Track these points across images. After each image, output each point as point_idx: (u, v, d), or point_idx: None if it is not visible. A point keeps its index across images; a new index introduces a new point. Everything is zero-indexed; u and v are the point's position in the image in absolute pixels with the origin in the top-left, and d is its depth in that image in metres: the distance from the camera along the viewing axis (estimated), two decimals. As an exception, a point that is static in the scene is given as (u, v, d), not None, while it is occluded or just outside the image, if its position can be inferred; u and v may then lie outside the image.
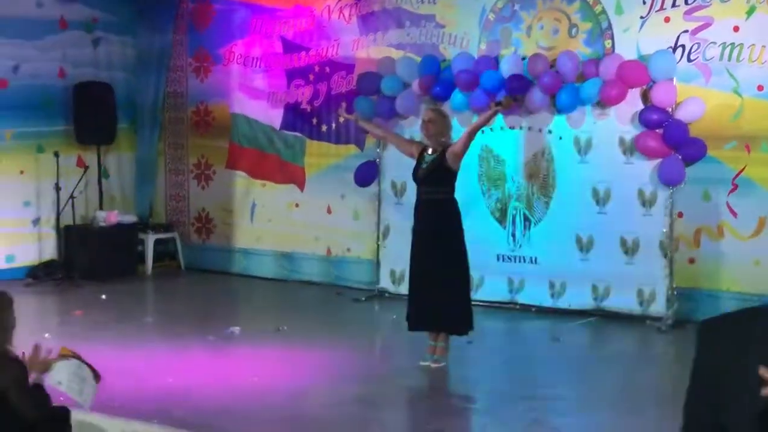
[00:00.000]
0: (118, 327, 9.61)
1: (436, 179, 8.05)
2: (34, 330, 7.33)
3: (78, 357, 5.94)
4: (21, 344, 5.70)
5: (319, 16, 11.68)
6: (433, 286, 8.03)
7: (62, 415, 5.74)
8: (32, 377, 5.58)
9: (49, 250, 12.24)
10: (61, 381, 5.84)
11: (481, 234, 10.34)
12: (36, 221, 12.18)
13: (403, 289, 10.71)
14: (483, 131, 10.21)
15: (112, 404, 6.67)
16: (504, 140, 10.34)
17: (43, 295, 11.14)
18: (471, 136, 8.15)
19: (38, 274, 11.91)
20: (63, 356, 5.86)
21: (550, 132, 10.10)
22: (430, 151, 8.11)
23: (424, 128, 8.21)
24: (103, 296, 11.04)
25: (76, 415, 5.91)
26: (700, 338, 3.29)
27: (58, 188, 12.04)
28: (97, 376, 5.96)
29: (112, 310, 10.49)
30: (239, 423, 6.79)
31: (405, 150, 8.53)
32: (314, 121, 11.80)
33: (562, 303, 10.07)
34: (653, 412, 7.23)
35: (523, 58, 10.13)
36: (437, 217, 8.16)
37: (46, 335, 7.74)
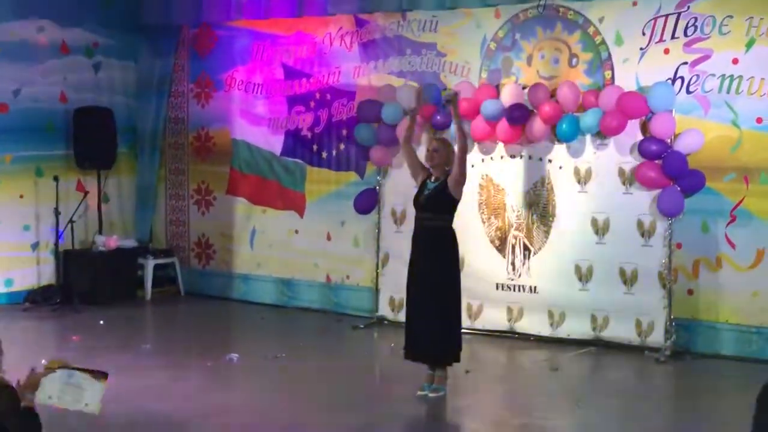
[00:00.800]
0: (115, 353, 9.57)
1: (436, 206, 8.08)
2: (30, 355, 7.34)
3: (67, 366, 5.90)
4: (17, 370, 5.73)
5: (320, 43, 11.74)
6: (426, 316, 8.07)
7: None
8: (25, 401, 5.59)
9: (47, 275, 12.25)
10: (51, 396, 5.82)
11: (480, 263, 10.39)
12: (35, 245, 12.20)
13: (402, 316, 10.72)
14: (483, 160, 10.36)
15: (108, 429, 6.69)
16: (504, 169, 10.36)
17: (40, 320, 11.14)
18: (462, 153, 8.13)
19: (36, 299, 11.91)
20: (49, 370, 5.83)
21: (550, 161, 10.13)
22: (433, 178, 8.14)
23: (429, 158, 8.21)
24: (102, 321, 11.05)
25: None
26: (759, 400, 3.47)
27: (57, 212, 12.08)
28: (101, 377, 5.92)
29: (110, 336, 10.48)
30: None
31: (413, 171, 8.49)
32: (315, 147, 11.84)
33: (561, 332, 10.07)
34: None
35: (524, 87, 10.18)
36: (435, 244, 8.16)
37: (43, 361, 7.71)
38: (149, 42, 13.01)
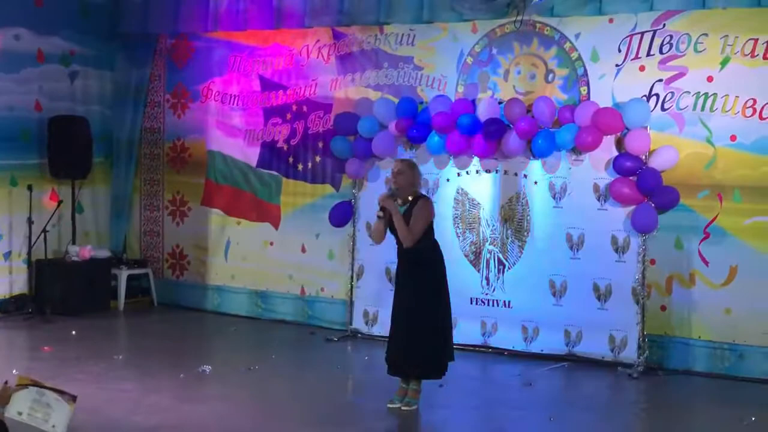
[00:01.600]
0: (87, 364, 9.53)
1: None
2: (1, 365, 7.29)
3: (39, 384, 5.88)
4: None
5: (297, 56, 11.76)
6: (403, 331, 8.11)
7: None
8: (-5, 414, 5.56)
9: (19, 284, 12.17)
10: (21, 411, 5.80)
11: (454, 277, 10.37)
12: (7, 255, 12.11)
13: (376, 330, 10.79)
14: (459, 174, 10.38)
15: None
16: (479, 184, 10.40)
17: (12, 330, 11.06)
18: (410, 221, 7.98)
19: (8, 309, 11.86)
20: (21, 386, 5.80)
21: (525, 176, 10.18)
22: (400, 202, 8.05)
23: (394, 180, 8.14)
24: (74, 332, 10.99)
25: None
26: None
27: (30, 222, 12.03)
28: (70, 399, 5.91)
29: (82, 347, 10.41)
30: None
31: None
32: (291, 159, 11.86)
33: (535, 347, 10.11)
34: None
35: (500, 102, 10.22)
36: (415, 266, 8.13)
37: (14, 371, 7.69)
38: (126, 51, 12.99)
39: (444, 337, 8.27)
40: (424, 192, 8.74)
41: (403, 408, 8.07)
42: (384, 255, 10.69)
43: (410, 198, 8.03)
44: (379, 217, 8.07)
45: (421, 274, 8.12)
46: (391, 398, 8.16)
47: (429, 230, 8.13)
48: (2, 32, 11.94)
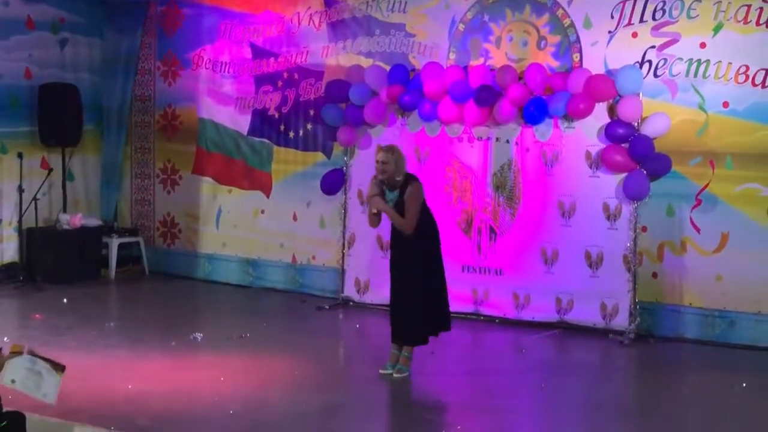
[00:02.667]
0: (79, 331, 9.56)
1: (401, 213, 8.05)
2: (-8, 333, 7.30)
3: (31, 352, 5.89)
4: (-22, 348, 5.70)
5: (288, 23, 11.71)
6: (396, 300, 8.22)
7: (16, 419, 5.72)
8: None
9: (10, 253, 12.19)
10: (14, 379, 5.78)
11: (446, 244, 10.38)
12: (-2, 223, 12.14)
13: (368, 298, 10.83)
14: (451, 142, 10.37)
15: (71, 409, 6.65)
16: (472, 151, 10.39)
17: (3, 299, 11.07)
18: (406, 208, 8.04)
19: (0, 277, 11.87)
20: (14, 353, 5.81)
21: (517, 144, 10.17)
22: (390, 188, 8.08)
23: (380, 169, 8.06)
24: (65, 300, 11.02)
25: (32, 419, 5.89)
26: None
27: (21, 190, 12.03)
28: (59, 368, 5.91)
29: (73, 314, 10.43)
30: (197, 427, 6.79)
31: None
32: (282, 127, 11.83)
33: (526, 315, 10.14)
34: (614, 426, 7.30)
35: (492, 69, 10.19)
36: (407, 243, 8.14)
37: (5, 339, 7.68)
38: (116, 19, 12.94)
39: (434, 305, 8.31)
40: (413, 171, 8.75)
41: (395, 375, 8.10)
42: (375, 223, 10.72)
43: (398, 179, 8.03)
44: (373, 214, 8.14)
45: (417, 249, 8.16)
46: (384, 365, 8.19)
47: (423, 208, 8.17)
48: (-10, -1, 11.92)
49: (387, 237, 10.40)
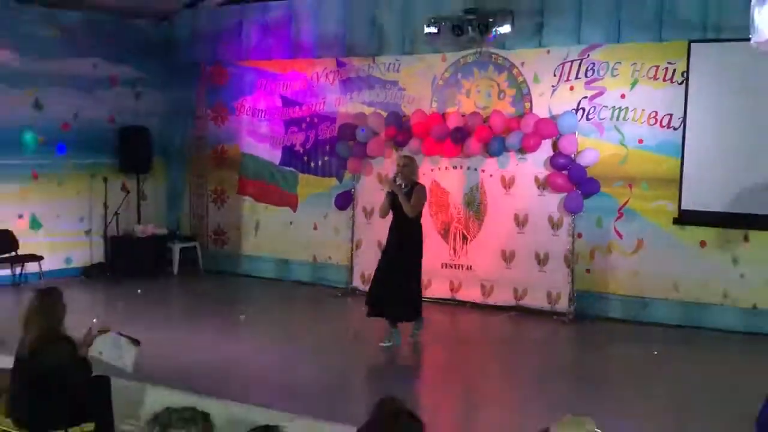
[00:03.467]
0: (150, 314, 9.61)
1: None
2: (85, 317, 7.36)
3: (115, 331, 5.97)
4: (77, 327, 5.77)
5: (310, 80, 11.75)
6: (387, 284, 8.23)
7: (104, 381, 5.79)
8: (82, 352, 5.64)
9: (98, 255, 12.21)
10: (101, 352, 5.87)
11: (429, 247, 10.44)
12: (88, 232, 12.15)
13: (371, 288, 10.84)
14: (432, 169, 10.42)
15: (144, 375, 6.72)
16: (449, 177, 10.43)
17: (93, 290, 11.12)
18: (411, 199, 8.12)
19: (90, 273, 11.92)
20: (102, 331, 5.89)
21: (482, 171, 10.20)
22: (404, 185, 8.14)
23: (400, 171, 8.19)
24: (139, 291, 11.04)
25: (116, 382, 5.95)
26: None
27: (106, 206, 12.05)
28: (136, 343, 5.98)
29: (145, 302, 10.50)
30: (242, 389, 6.82)
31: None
32: (305, 159, 11.84)
33: (491, 301, 10.16)
34: (556, 385, 7.37)
35: (464, 115, 10.23)
36: (405, 237, 8.23)
37: (95, 320, 7.72)
38: (177, 77, 12.93)
39: (418, 293, 8.41)
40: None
41: (383, 344, 8.23)
42: (376, 231, 10.74)
43: (412, 179, 8.20)
44: (389, 193, 8.20)
45: (408, 243, 8.22)
46: (384, 338, 8.27)
47: (419, 215, 8.27)
48: (83, 62, 11.97)
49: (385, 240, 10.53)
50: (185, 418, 3.08)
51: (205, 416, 3.14)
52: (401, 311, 8.30)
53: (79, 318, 5.76)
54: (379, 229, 10.63)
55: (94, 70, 12.11)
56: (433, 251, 10.38)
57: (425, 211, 10.30)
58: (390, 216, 8.34)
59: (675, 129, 9.23)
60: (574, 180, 9.51)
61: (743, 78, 8.79)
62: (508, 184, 10.06)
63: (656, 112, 9.34)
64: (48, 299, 5.50)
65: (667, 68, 9.26)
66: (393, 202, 8.18)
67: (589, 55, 9.67)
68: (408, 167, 8.23)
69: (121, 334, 5.93)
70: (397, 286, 8.15)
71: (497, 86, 10.28)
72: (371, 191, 10.83)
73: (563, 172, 9.57)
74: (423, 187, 8.32)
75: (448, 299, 10.38)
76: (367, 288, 10.77)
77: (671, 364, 7.97)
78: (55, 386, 5.40)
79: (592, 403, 6.61)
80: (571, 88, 9.79)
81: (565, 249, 9.67)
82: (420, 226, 8.34)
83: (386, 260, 8.34)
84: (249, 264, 12.44)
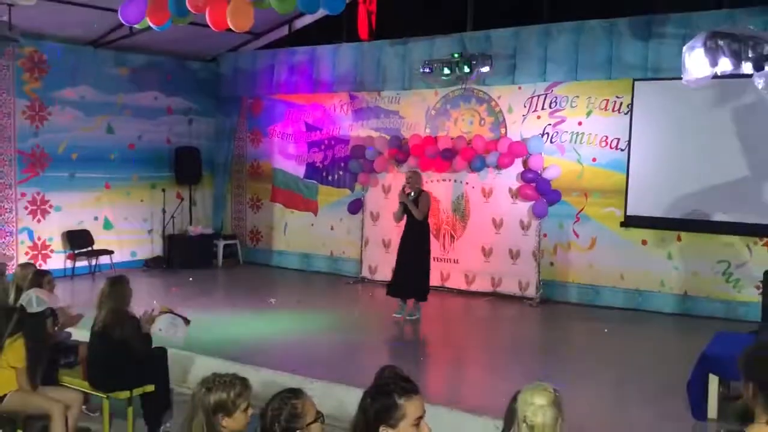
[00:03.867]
0: (200, 298, 9.65)
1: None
2: (148, 300, 7.39)
3: (172, 312, 5.98)
4: (140, 308, 5.80)
5: (328, 109, 11.78)
6: (405, 269, 8.48)
7: (162, 351, 5.82)
8: (144, 329, 5.66)
9: (158, 250, 12.24)
10: (161, 328, 5.88)
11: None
12: (150, 231, 12.18)
13: (377, 277, 10.81)
14: (426, 182, 10.40)
15: (195, 346, 6.75)
16: (439, 188, 10.38)
17: (153, 278, 11.15)
18: (417, 206, 8.32)
19: (151, 265, 11.94)
20: (162, 311, 5.91)
21: (467, 183, 10.19)
22: (412, 193, 8.37)
23: (408, 182, 8.43)
24: (190, 278, 11.09)
25: (171, 352, 5.97)
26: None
27: (164, 211, 12.12)
28: (187, 322, 6.00)
29: (196, 287, 10.52)
30: (270, 358, 6.82)
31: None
32: (324, 173, 11.87)
33: (473, 288, 10.14)
34: (525, 355, 7.41)
35: (451, 138, 10.24)
36: (416, 230, 8.43)
37: (155, 302, 7.78)
38: (222, 107, 12.98)
39: (427, 277, 8.58)
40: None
41: (396, 315, 8.41)
42: (381, 231, 10.79)
43: (417, 188, 8.41)
44: (401, 203, 8.37)
45: (419, 239, 8.44)
46: (395, 312, 8.50)
47: (426, 216, 8.48)
48: (146, 95, 12.02)
49: (389, 239, 10.55)
50: (226, 381, 3.10)
51: (243, 380, 3.16)
52: (412, 291, 8.51)
53: (141, 300, 5.78)
54: (384, 230, 10.72)
55: (155, 102, 12.15)
56: (427, 247, 10.44)
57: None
58: (404, 220, 8.55)
59: (621, 150, 9.23)
60: (540, 191, 9.52)
61: (676, 109, 8.80)
62: (487, 194, 10.05)
63: (607, 137, 9.35)
64: (117, 285, 5.53)
65: (615, 101, 9.27)
66: (405, 210, 8.37)
67: (552, 90, 9.68)
68: (413, 178, 8.43)
69: (176, 314, 5.95)
70: (411, 273, 8.40)
71: (478, 115, 10.29)
72: (377, 199, 10.86)
73: (532, 184, 9.58)
74: (428, 194, 8.52)
75: (439, 286, 10.33)
76: (373, 277, 10.89)
77: (618, 338, 7.99)
78: (122, 355, 5.43)
79: (554, 370, 6.63)
80: (538, 117, 9.80)
81: (533, 246, 9.67)
82: (427, 226, 8.55)
83: (403, 254, 8.51)
84: (279, 257, 12.45)
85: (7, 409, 5.06)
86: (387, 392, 2.63)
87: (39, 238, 10.76)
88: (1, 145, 10.33)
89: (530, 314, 9.24)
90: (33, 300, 5.15)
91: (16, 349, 4.98)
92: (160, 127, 12.26)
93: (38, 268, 6.79)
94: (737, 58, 5.37)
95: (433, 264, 10.32)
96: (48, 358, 5.41)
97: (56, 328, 6.00)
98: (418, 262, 8.42)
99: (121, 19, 7.99)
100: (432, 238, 10.32)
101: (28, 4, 7.87)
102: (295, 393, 2.86)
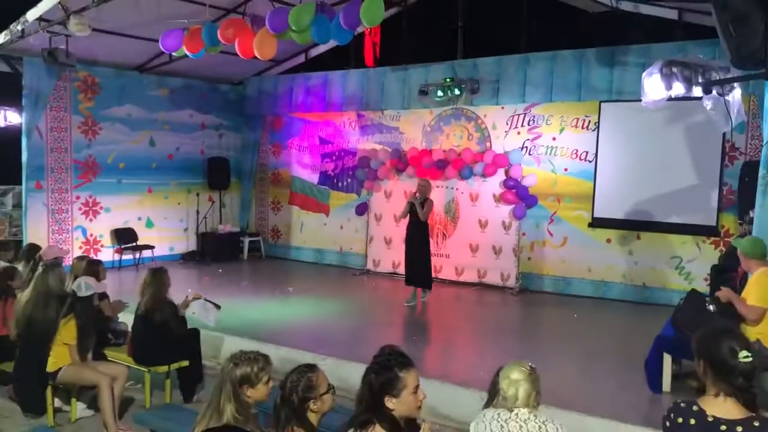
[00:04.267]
0: (228, 286, 9.65)
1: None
2: (183, 288, 7.39)
3: (204, 298, 5.99)
4: (178, 295, 5.81)
5: (339, 125, 11.79)
6: (414, 263, 8.56)
7: (195, 332, 5.83)
8: (180, 313, 5.68)
9: (192, 245, 12.24)
10: (194, 312, 5.89)
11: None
12: (185, 229, 12.19)
13: (379, 269, 10.80)
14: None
15: (225, 328, 6.75)
16: (433, 193, 10.08)
17: (188, 270, 11.14)
18: (423, 208, 8.38)
19: (186, 258, 11.94)
20: (195, 298, 5.91)
21: (456, 189, 10.17)
22: (418, 197, 8.42)
23: (418, 189, 8.47)
24: (220, 270, 11.11)
25: (204, 333, 5.97)
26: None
27: (197, 212, 12.13)
28: (218, 307, 6.00)
29: (225, 278, 10.53)
30: (289, 338, 6.81)
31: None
32: (335, 180, 11.87)
33: (462, 279, 10.12)
34: (506, 337, 7.38)
35: (444, 151, 10.24)
36: (419, 230, 8.46)
37: (189, 290, 7.80)
38: (249, 123, 12.98)
39: (430, 268, 8.66)
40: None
41: (407, 304, 8.42)
42: (383, 230, 10.77)
43: (425, 196, 8.43)
44: (411, 204, 8.38)
45: (421, 238, 8.50)
46: (406, 301, 8.56)
47: (427, 218, 8.51)
48: (183, 113, 12.03)
49: (390, 237, 10.53)
50: (251, 357, 3.11)
51: (265, 356, 3.17)
52: (420, 281, 8.58)
53: (179, 288, 5.79)
54: (386, 229, 10.72)
55: (190, 119, 12.16)
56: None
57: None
58: (406, 219, 8.57)
59: (589, 162, 9.22)
60: (520, 196, 9.52)
61: (636, 127, 8.80)
62: (474, 198, 10.04)
63: (577, 150, 9.34)
64: (157, 275, 5.55)
65: (584, 120, 9.27)
66: (411, 210, 8.42)
67: (530, 110, 9.68)
68: (424, 186, 8.47)
69: (208, 300, 5.96)
70: (417, 265, 8.50)
71: (467, 131, 10.29)
72: (380, 203, 10.86)
73: (512, 190, 9.58)
74: (432, 202, 8.53)
75: (433, 278, 10.29)
76: (376, 269, 10.89)
77: (586, 323, 7.97)
78: (162, 335, 5.45)
79: (531, 350, 6.63)
80: (518, 133, 9.79)
81: (514, 243, 9.66)
82: (428, 226, 8.59)
83: (411, 251, 8.56)
84: (296, 252, 12.46)
85: (63, 380, 5.09)
86: (388, 367, 2.65)
87: (91, 235, 10.78)
88: (59, 155, 10.36)
89: (511, 302, 9.22)
90: (82, 285, 5.17)
91: (69, 329, 5.01)
92: (195, 140, 12.27)
93: (92, 258, 6.80)
94: (689, 82, 5.37)
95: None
96: (98, 336, 5.44)
97: (109, 313, 6.02)
98: (423, 256, 8.50)
99: (161, 48, 8.03)
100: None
101: (83, 35, 7.89)
102: (311, 367, 2.89)
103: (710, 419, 2.41)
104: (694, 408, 2.46)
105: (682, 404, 2.51)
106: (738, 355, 2.41)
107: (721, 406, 2.41)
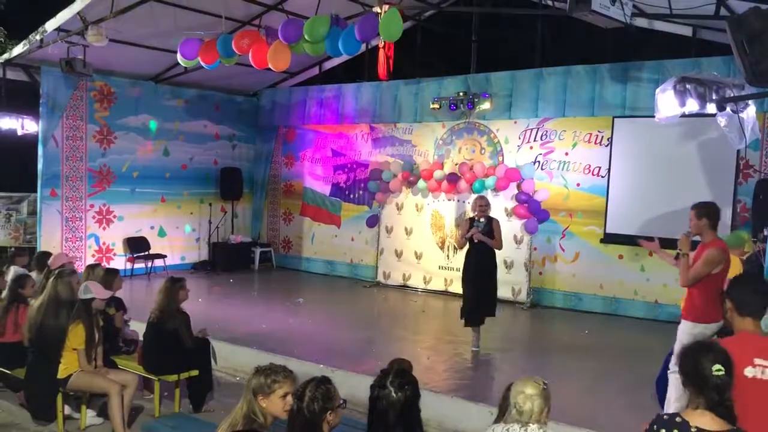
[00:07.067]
0: (239, 296, 9.68)
1: (486, 235, 7.08)
2: (194, 297, 7.41)
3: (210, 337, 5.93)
4: (188, 303, 5.82)
5: (351, 137, 11.82)
6: (482, 302, 7.26)
7: (206, 342, 5.84)
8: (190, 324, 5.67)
9: (204, 255, 12.29)
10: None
11: (430, 254, 10.45)
12: (198, 239, 12.25)
13: (390, 282, 10.78)
14: (435, 200, 10.39)
15: (234, 337, 6.75)
16: (445, 206, 10.39)
17: (200, 279, 11.17)
18: (494, 235, 7.10)
19: (197, 267, 11.99)
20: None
21: (468, 203, 10.10)
22: (480, 218, 7.10)
23: (479, 208, 7.12)
24: (231, 280, 11.14)
25: (213, 343, 5.97)
26: None
27: (210, 222, 12.18)
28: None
29: (236, 288, 10.55)
30: (299, 348, 6.82)
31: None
32: (347, 192, 11.89)
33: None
34: (517, 352, 7.33)
35: (456, 164, 10.24)
36: (486, 257, 7.13)
37: (199, 300, 7.84)
38: (261, 134, 13.07)
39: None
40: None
41: (473, 349, 7.32)
42: (394, 243, 10.76)
43: (488, 217, 7.17)
44: (466, 239, 7.08)
45: (493, 266, 7.25)
46: (473, 346, 7.25)
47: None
48: (197, 123, 12.13)
49: (401, 250, 10.51)
50: (270, 370, 3.14)
51: (286, 370, 3.16)
52: (486, 315, 7.33)
53: (190, 300, 5.79)
54: (397, 241, 10.72)
55: (204, 129, 12.25)
56: (433, 258, 10.39)
57: (426, 229, 10.35)
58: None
59: (602, 177, 9.19)
60: (532, 210, 9.48)
61: (649, 142, 8.76)
62: (486, 212, 10.01)
63: (589, 165, 9.31)
64: (172, 285, 5.56)
65: (597, 135, 9.24)
66: (470, 240, 7.08)
67: (543, 125, 9.67)
68: (486, 206, 7.14)
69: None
70: (486, 302, 7.24)
71: (479, 145, 10.29)
72: (391, 215, 10.86)
73: (524, 204, 9.54)
74: (498, 221, 7.25)
75: (442, 291, 10.33)
76: (387, 281, 10.84)
77: (597, 339, 7.91)
78: (172, 344, 5.46)
79: (541, 365, 6.59)
80: (531, 147, 9.77)
81: (525, 258, 9.61)
82: (495, 253, 7.18)
83: (476, 282, 7.13)
84: (306, 263, 12.46)
85: (73, 387, 5.11)
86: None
87: (104, 243, 10.86)
88: (74, 164, 10.48)
89: (522, 316, 9.18)
90: (83, 289, 5.21)
91: (77, 333, 5.03)
92: (209, 150, 12.35)
93: (109, 267, 6.71)
94: (702, 99, 5.36)
95: (439, 272, 10.41)
96: (105, 343, 5.44)
97: (124, 322, 6.04)
98: (493, 290, 7.24)
99: (180, 55, 8.12)
100: (437, 250, 10.44)
101: (100, 45, 8.01)
102: (328, 380, 2.95)
103: (693, 430, 2.44)
104: (678, 419, 2.49)
105: (665, 416, 2.54)
106: (711, 368, 2.46)
107: (701, 419, 2.46)
